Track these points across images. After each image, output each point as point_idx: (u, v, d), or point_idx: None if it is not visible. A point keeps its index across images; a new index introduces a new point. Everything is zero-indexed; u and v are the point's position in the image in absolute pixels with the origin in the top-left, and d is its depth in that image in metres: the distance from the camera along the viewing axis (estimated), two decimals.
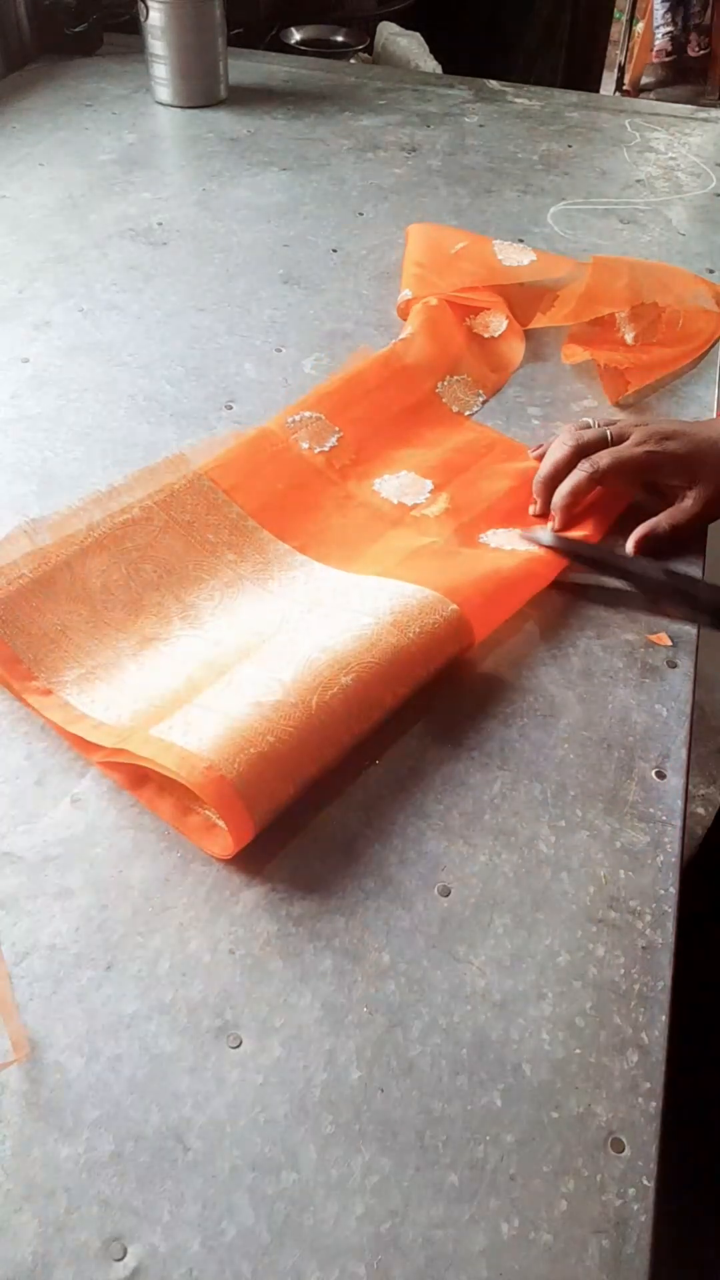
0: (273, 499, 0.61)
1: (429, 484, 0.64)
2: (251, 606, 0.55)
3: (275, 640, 0.51)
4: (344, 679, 0.47)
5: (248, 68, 1.23)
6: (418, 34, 1.51)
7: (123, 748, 0.46)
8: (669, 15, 3.57)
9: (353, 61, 1.40)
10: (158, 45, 1.08)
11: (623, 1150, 0.37)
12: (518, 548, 0.58)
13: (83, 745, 0.49)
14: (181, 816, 0.46)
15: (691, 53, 3.61)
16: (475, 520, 0.62)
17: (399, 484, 0.64)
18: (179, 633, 0.54)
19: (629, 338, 0.76)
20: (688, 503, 0.60)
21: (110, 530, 0.57)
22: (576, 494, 0.60)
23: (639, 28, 3.40)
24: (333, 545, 0.60)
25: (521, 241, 0.88)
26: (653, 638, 0.56)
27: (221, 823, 0.44)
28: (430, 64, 1.47)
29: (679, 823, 0.47)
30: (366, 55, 1.48)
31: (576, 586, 0.58)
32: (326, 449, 0.65)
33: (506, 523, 0.62)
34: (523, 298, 0.80)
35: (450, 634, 0.51)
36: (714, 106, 1.25)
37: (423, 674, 0.51)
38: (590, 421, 0.64)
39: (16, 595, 0.53)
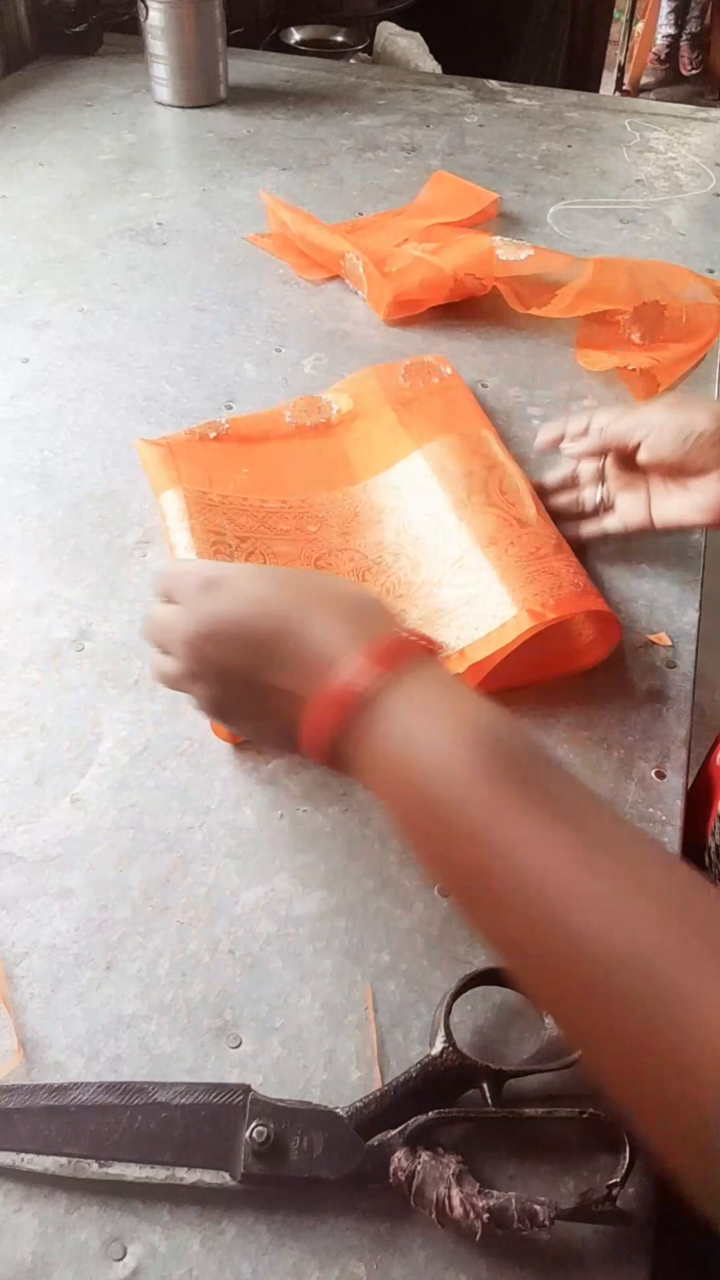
0: (251, 478, 0.61)
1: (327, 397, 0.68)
2: (392, 526, 0.59)
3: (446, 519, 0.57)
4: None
5: (248, 68, 1.23)
6: (418, 34, 1.51)
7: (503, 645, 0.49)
8: (671, 17, 3.57)
9: (352, 61, 1.40)
10: (158, 45, 1.08)
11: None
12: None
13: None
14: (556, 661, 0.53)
15: (683, 69, 3.62)
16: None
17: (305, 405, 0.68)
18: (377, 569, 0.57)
19: (635, 338, 0.76)
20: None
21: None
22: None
23: (639, 28, 3.39)
24: (334, 472, 0.63)
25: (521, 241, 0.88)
26: (653, 638, 0.56)
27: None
28: (430, 64, 1.47)
29: (679, 823, 0.47)
30: (366, 55, 1.48)
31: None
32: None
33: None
34: (522, 291, 0.80)
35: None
36: (714, 106, 1.25)
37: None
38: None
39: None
